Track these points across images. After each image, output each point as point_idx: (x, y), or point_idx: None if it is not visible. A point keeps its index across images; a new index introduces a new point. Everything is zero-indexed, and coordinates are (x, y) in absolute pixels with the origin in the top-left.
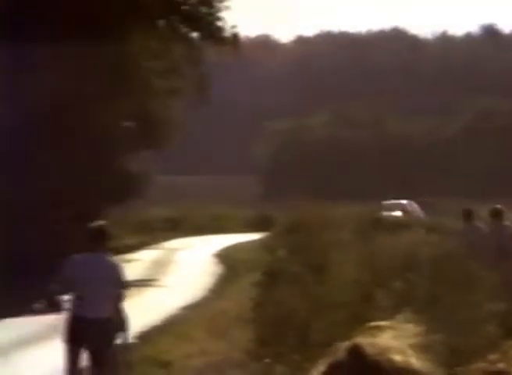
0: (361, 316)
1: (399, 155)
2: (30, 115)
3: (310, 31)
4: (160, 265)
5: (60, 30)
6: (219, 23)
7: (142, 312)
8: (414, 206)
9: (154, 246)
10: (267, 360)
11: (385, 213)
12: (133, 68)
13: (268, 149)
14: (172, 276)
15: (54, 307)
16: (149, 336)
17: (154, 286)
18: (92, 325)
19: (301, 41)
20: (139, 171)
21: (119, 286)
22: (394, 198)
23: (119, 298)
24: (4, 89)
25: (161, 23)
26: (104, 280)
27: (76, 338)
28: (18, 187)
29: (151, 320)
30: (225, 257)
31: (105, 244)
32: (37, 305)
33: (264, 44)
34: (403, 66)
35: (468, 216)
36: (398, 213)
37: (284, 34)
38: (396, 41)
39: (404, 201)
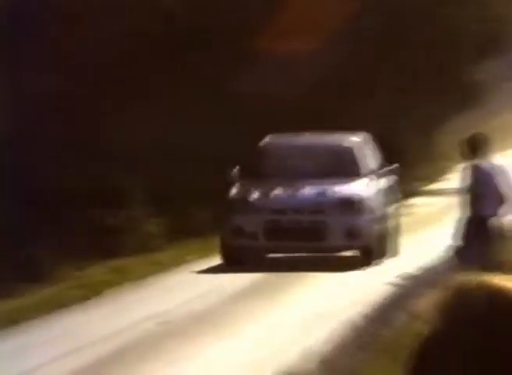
0: None
1: None
2: None
3: None
4: None
5: None
6: None
7: None
8: None
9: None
10: None
11: None
12: None
13: None
14: None
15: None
16: None
17: None
18: (487, 223)
19: None
20: (484, 79)
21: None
22: None
23: (501, 200)
24: None
25: None
26: (495, 182)
27: (473, 235)
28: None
29: None
30: None
31: (485, 152)
32: None
33: None
34: None
35: None
36: None
37: None
38: None
39: None
